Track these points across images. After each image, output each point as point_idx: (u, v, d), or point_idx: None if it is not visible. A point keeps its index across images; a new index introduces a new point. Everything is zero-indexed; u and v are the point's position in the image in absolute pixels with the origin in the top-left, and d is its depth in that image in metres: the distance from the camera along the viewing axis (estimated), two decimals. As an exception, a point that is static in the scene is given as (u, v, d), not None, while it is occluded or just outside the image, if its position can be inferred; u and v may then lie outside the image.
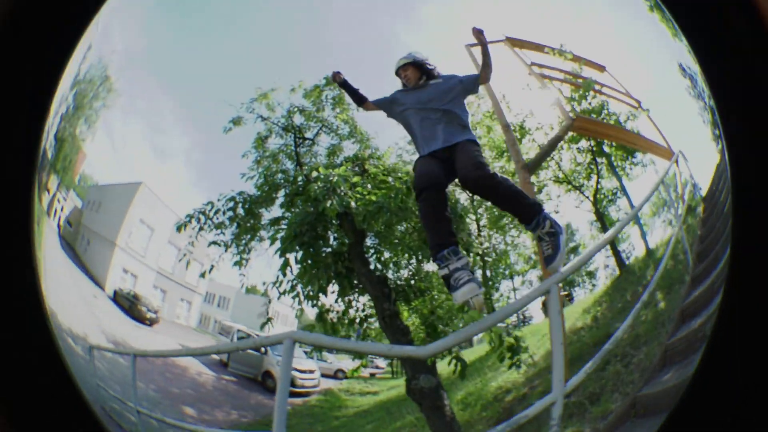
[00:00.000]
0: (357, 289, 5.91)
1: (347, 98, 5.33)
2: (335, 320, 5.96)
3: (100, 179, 12.27)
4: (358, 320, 6.12)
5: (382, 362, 6.61)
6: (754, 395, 1.25)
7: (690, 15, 1.50)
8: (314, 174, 5.90)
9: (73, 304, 5.99)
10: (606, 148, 4.91)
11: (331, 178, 5.47)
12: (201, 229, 6.36)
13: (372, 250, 5.90)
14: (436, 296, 5.69)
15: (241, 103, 6.67)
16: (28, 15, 1.24)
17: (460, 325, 5.08)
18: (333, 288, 5.87)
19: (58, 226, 10.39)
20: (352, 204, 5.23)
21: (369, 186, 5.43)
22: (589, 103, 4.61)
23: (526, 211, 3.17)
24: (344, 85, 4.30)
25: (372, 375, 9.70)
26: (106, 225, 11.02)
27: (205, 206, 6.51)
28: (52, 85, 1.60)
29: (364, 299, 6.12)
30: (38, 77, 1.42)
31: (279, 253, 5.42)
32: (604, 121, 4.58)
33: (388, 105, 4.14)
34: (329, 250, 5.99)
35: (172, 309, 12.16)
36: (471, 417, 4.81)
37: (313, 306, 6.03)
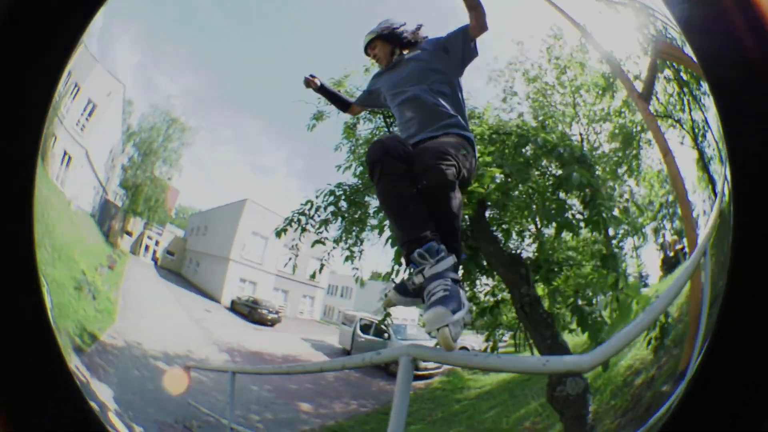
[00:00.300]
0: (485, 271, 4.48)
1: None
2: None
3: (202, 206, 12.47)
4: (488, 307, 4.72)
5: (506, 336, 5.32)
6: (755, 395, 0.97)
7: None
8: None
9: (169, 328, 5.91)
10: (684, 76, 3.56)
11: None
12: (303, 230, 5.28)
13: (495, 224, 4.49)
14: (578, 270, 4.20)
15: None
16: (27, 16, 0.98)
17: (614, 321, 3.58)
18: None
19: (154, 260, 10.69)
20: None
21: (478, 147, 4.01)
22: (655, 28, 3.48)
23: (452, 244, 1.94)
24: (322, 90, 2.99)
25: (494, 349, 9.07)
26: (216, 244, 11.06)
27: (304, 206, 5.52)
28: (52, 85, 1.22)
29: (492, 281, 4.73)
30: (37, 79, 1.13)
31: (391, 241, 4.09)
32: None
33: (370, 98, 2.84)
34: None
35: (295, 306, 11.81)
36: (599, 406, 3.62)
37: None
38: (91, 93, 6.83)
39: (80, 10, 1.23)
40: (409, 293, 2.00)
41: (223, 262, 11.27)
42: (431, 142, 1.98)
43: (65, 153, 6.62)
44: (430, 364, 8.40)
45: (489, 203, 4.18)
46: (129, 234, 11.12)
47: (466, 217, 4.17)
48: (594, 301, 3.77)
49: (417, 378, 7.78)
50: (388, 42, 2.52)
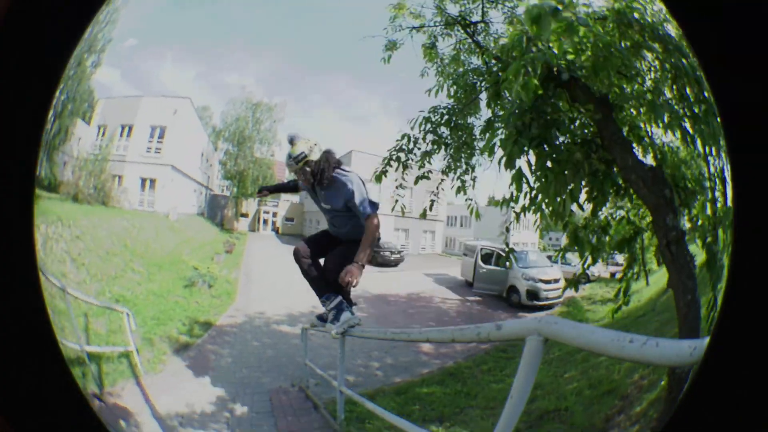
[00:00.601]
0: (622, 191, 3.33)
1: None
2: (595, 240, 3.46)
3: None
4: (626, 239, 3.64)
5: (621, 258, 4.36)
6: (757, 394, 0.86)
7: None
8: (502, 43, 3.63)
9: (292, 291, 5.64)
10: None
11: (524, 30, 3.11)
12: (405, 167, 4.53)
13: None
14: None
15: (384, 29, 4.98)
16: (25, 14, 0.96)
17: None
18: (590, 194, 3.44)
19: (275, 230, 11.67)
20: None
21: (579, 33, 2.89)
22: None
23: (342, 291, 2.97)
24: (273, 191, 3.73)
25: (612, 275, 8.04)
26: None
27: (400, 141, 4.56)
28: (51, 85, 1.08)
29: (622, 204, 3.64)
30: (36, 78, 1.05)
31: (505, 162, 2.94)
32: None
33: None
34: (569, 140, 3.31)
35: (417, 242, 11.76)
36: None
37: (564, 226, 3.35)
38: (151, 121, 7.45)
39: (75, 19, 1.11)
40: (324, 321, 3.04)
41: (341, 214, 11.52)
42: (341, 247, 2.86)
43: (143, 180, 7.38)
44: (552, 293, 7.69)
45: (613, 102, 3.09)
46: (245, 216, 11.93)
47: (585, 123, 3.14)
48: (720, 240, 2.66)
49: (539, 309, 7.23)
50: (305, 174, 2.71)
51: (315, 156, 2.59)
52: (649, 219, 3.10)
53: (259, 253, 9.86)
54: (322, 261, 2.93)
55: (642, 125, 3.11)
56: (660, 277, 3.46)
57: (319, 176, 2.60)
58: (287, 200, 11.87)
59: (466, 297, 8.06)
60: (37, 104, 1.14)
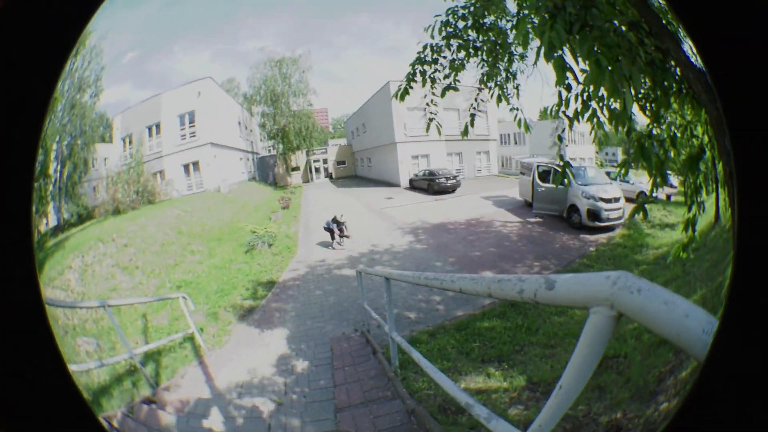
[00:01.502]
0: (684, 92, 2.45)
1: None
2: (661, 153, 2.56)
3: (352, 109, 12.06)
4: (691, 156, 2.81)
5: (675, 180, 3.94)
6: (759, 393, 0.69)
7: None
8: None
9: (352, 232, 6.36)
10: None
11: None
12: (432, 81, 3.77)
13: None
14: None
15: None
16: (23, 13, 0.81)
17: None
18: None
19: (328, 176, 11.63)
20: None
21: None
22: None
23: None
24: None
25: (668, 197, 7.10)
26: (379, 135, 10.93)
27: (420, 53, 3.76)
28: (50, 85, 0.83)
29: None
30: (35, 78, 0.82)
31: (544, 53, 2.07)
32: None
33: None
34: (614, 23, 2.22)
35: (472, 165, 11.17)
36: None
37: (626, 131, 2.37)
38: (177, 110, 7.40)
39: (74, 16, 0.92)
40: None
41: (390, 148, 11.01)
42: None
43: (185, 166, 7.45)
44: (613, 214, 6.93)
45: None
46: (296, 169, 11.67)
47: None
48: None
49: (602, 230, 6.58)
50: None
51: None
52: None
53: (314, 203, 9.78)
54: None
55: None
56: (709, 206, 2.86)
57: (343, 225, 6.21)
58: (335, 144, 11.51)
59: (526, 219, 7.51)
60: (35, 104, 0.99)
